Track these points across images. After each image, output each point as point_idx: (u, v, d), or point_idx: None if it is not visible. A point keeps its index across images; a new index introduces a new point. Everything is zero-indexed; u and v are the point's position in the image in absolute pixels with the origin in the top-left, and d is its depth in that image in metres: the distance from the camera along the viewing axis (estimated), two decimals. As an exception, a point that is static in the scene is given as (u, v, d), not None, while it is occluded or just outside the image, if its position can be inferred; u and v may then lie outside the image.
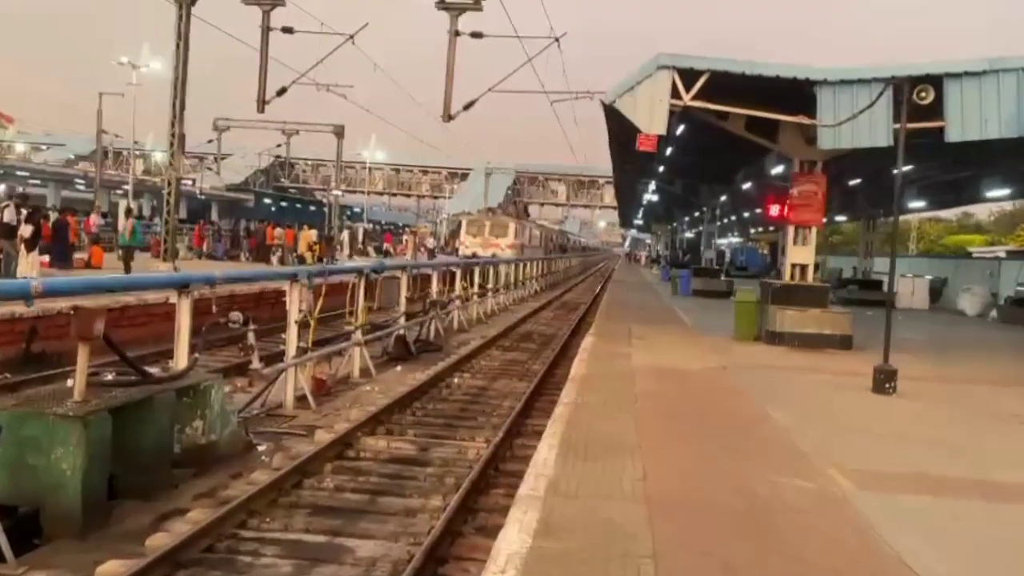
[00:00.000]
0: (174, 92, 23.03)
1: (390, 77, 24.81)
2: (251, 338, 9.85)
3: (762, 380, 10.93)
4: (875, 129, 12.93)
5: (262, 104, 22.60)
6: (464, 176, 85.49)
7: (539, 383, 13.19)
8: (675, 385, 10.19)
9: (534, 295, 36.43)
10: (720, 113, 14.30)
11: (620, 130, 16.41)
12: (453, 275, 22.93)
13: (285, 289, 11.74)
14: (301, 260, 33.03)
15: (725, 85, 13.54)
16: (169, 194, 23.19)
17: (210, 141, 53.03)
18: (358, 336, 14.60)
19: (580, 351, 13.08)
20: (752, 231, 64.75)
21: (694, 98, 13.35)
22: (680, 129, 16.39)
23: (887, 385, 9.84)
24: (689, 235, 62.91)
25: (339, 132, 52.30)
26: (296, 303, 11.81)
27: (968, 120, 12.68)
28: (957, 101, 12.52)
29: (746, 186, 26.16)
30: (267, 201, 76.19)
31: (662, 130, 13.40)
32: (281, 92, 22.76)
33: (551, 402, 12.52)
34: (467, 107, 21.51)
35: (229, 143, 65.81)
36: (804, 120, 13.17)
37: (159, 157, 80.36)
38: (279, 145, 54.03)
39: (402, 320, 17.46)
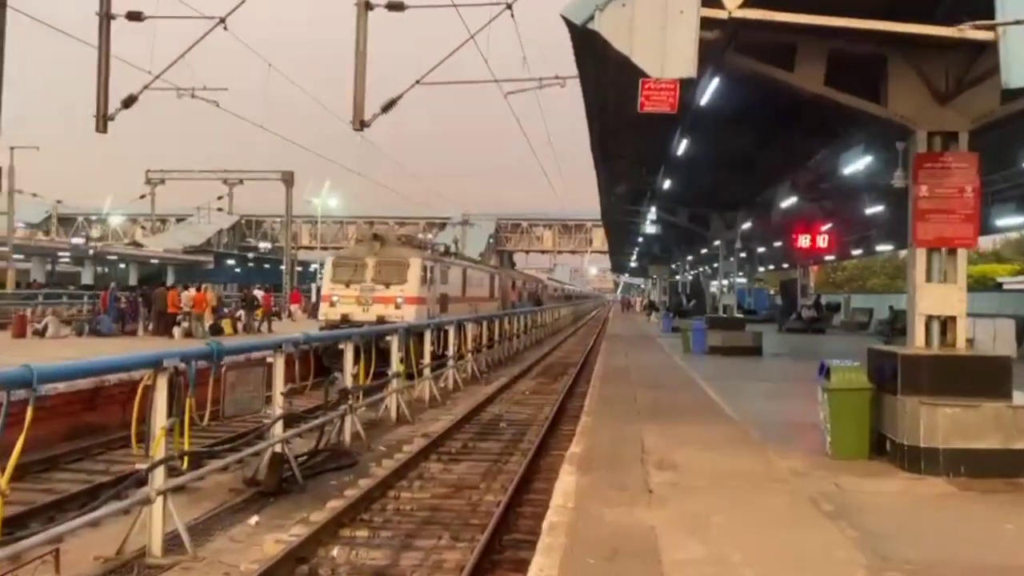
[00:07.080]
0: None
1: (286, 77, 18.34)
2: None
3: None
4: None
5: (103, 121, 15.92)
6: (443, 226, 79.72)
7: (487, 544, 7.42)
8: None
9: (515, 355, 29.89)
10: (785, 47, 7.74)
11: (603, 85, 9.53)
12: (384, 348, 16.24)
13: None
14: (216, 331, 26.23)
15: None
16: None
17: (143, 196, 46.90)
18: (158, 482, 7.92)
19: (546, 531, 6.16)
20: (762, 268, 58.02)
21: (746, 3, 6.76)
22: (711, 88, 9.52)
23: None
24: (689, 276, 56.43)
25: (288, 180, 46.05)
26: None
27: None
28: None
29: (786, 203, 19.04)
30: (230, 262, 70.09)
31: (688, 71, 6.75)
32: (129, 103, 16.16)
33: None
34: (386, 108, 15.03)
35: (176, 200, 59.47)
36: (971, 33, 6.49)
37: (116, 221, 74.35)
38: (220, 197, 47.72)
39: (277, 429, 10.87)
